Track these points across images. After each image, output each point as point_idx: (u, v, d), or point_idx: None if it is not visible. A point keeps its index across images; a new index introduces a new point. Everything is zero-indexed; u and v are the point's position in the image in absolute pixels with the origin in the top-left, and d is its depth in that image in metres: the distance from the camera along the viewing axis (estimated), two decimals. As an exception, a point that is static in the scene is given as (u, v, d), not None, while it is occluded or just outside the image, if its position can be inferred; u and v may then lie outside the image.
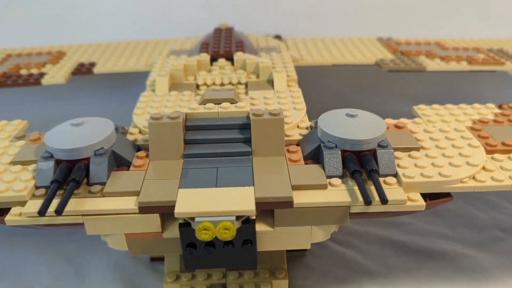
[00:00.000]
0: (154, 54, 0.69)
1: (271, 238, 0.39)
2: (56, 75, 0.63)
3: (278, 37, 0.75)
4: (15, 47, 0.74)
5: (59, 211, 0.35)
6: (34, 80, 0.63)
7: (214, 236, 0.35)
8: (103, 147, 0.40)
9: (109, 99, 0.77)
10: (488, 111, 0.50)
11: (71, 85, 0.64)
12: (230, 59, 0.59)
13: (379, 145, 0.40)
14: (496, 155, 0.42)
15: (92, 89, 0.77)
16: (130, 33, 0.78)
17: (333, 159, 0.40)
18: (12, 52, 0.72)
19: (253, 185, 0.37)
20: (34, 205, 0.37)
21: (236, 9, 0.80)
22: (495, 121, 0.48)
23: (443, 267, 0.51)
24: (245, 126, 0.44)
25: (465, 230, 0.57)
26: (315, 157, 0.41)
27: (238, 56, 0.58)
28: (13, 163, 0.41)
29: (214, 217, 0.35)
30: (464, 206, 0.61)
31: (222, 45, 0.62)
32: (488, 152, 0.42)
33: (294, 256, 0.53)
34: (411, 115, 0.50)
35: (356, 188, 0.38)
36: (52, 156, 0.39)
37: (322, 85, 0.56)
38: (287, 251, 0.50)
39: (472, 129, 0.46)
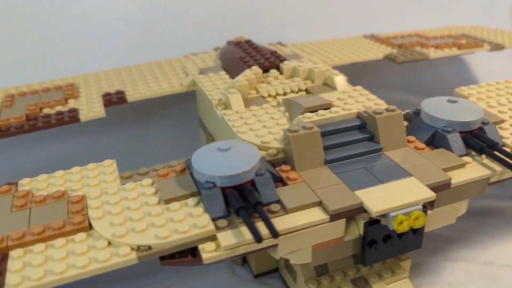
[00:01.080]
0: (175, 74, 0.67)
1: (430, 219, 0.43)
2: (92, 109, 0.58)
3: (280, 43, 0.78)
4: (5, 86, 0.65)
5: (276, 234, 0.34)
6: (70, 118, 0.57)
7: (409, 226, 0.38)
8: (261, 168, 0.40)
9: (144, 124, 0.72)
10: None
11: (107, 118, 0.59)
12: (275, 68, 0.61)
13: (483, 123, 0.47)
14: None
15: (123, 119, 0.72)
16: (122, 57, 0.74)
17: (456, 141, 0.45)
18: (14, 92, 0.63)
19: (412, 175, 0.41)
20: (227, 237, 0.36)
21: (223, 22, 0.81)
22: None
23: (497, 221, 0.60)
24: (361, 126, 0.47)
25: (499, 190, 0.67)
26: (431, 143, 0.47)
27: (286, 65, 0.60)
28: (166, 201, 0.39)
29: (406, 209, 0.38)
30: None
31: (261, 56, 0.63)
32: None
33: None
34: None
35: (488, 161, 0.43)
36: (215, 185, 0.38)
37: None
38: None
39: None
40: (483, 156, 0.44)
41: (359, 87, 0.56)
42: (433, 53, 0.73)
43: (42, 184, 0.43)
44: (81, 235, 0.36)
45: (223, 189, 0.38)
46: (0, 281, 0.33)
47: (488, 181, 0.43)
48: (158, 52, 0.76)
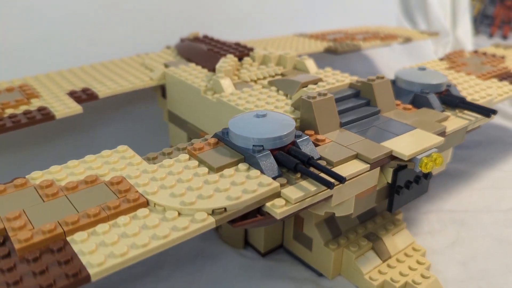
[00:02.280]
0: (140, 71, 0.64)
1: (431, 165, 0.49)
2: (67, 105, 0.53)
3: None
4: None
5: (343, 179, 0.36)
6: (43, 116, 0.51)
7: (432, 167, 0.43)
8: (298, 132, 0.42)
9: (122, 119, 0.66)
10: (443, 64, 0.72)
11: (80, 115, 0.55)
12: (247, 57, 0.63)
13: (447, 86, 0.55)
14: (486, 82, 0.63)
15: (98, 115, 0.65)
16: (63, 59, 0.69)
17: (435, 100, 0.52)
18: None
19: (417, 128, 0.46)
20: (294, 192, 0.37)
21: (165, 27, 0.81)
22: (452, 64, 0.69)
23: (448, 180, 0.70)
24: (356, 94, 0.52)
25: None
26: (414, 104, 0.53)
27: (257, 53, 0.63)
28: (217, 169, 0.38)
29: (427, 152, 0.43)
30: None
31: (229, 47, 0.64)
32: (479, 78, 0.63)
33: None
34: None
35: (462, 114, 0.51)
36: (263, 147, 0.39)
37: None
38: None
39: (448, 69, 0.66)
40: (457, 110, 0.52)
41: (328, 68, 0.61)
42: (363, 45, 0.82)
43: (60, 175, 0.38)
44: (143, 211, 0.34)
45: (273, 152, 0.39)
46: (75, 264, 0.29)
47: (466, 129, 0.51)
48: (101, 54, 0.72)
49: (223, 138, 0.42)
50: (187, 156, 0.41)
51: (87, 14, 0.71)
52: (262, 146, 0.39)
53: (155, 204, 0.35)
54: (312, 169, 0.38)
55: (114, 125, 0.69)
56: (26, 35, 0.66)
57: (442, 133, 0.47)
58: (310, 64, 0.62)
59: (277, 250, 0.55)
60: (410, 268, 0.49)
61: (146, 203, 0.35)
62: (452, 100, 0.52)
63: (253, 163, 0.39)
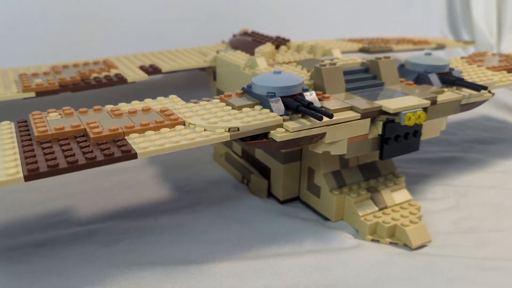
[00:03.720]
0: (193, 57, 0.79)
1: (424, 128, 0.57)
2: (136, 74, 0.69)
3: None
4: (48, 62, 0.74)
5: (331, 115, 0.47)
6: (118, 79, 0.67)
7: (414, 122, 0.52)
8: (306, 87, 0.53)
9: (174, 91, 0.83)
10: (459, 60, 0.79)
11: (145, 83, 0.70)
12: (284, 45, 0.76)
13: (450, 68, 0.64)
14: (494, 73, 0.70)
15: (155, 87, 0.82)
16: (138, 46, 0.86)
17: (435, 78, 0.61)
18: (57, 66, 0.72)
19: (410, 95, 0.56)
20: (292, 124, 0.48)
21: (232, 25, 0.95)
22: (473, 60, 0.77)
23: (463, 165, 0.77)
24: (365, 70, 0.62)
25: (451, 147, 0.84)
26: (418, 81, 0.62)
27: (292, 42, 0.75)
28: (238, 108, 0.50)
29: (412, 110, 0.52)
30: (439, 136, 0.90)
31: (270, 39, 0.77)
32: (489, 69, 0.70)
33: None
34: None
35: (458, 91, 0.59)
36: (275, 95, 0.51)
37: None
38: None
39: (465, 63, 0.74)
40: (454, 88, 0.61)
41: (351, 56, 0.72)
42: (395, 47, 0.92)
43: (125, 107, 0.53)
44: (179, 127, 0.47)
45: (282, 98, 0.51)
46: (128, 147, 0.42)
47: (460, 102, 0.59)
48: (168, 46, 0.88)
49: (247, 90, 0.54)
50: (218, 100, 0.53)
51: (160, 11, 0.88)
52: (274, 93, 0.51)
53: (189, 124, 0.48)
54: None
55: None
56: (116, 27, 0.84)
57: (433, 101, 0.56)
58: (336, 52, 0.73)
59: (294, 200, 0.66)
60: (402, 216, 0.57)
61: (183, 123, 0.48)
62: (449, 79, 0.61)
63: (266, 106, 0.51)
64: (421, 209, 0.62)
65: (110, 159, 0.41)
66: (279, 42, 0.75)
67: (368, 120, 0.52)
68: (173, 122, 0.48)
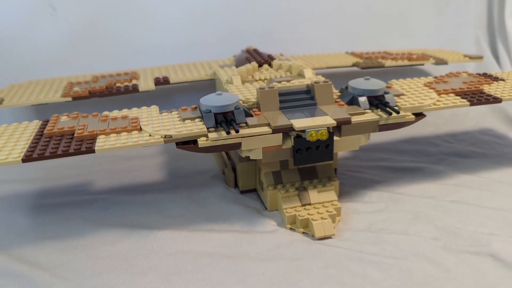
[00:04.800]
0: (204, 70, 0.98)
1: (339, 143, 0.70)
2: (147, 85, 0.90)
3: (281, 54, 1.08)
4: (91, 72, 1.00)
5: (237, 131, 0.63)
6: (133, 89, 0.89)
7: (317, 138, 0.65)
8: (238, 105, 0.69)
9: (182, 99, 1.05)
10: (430, 80, 0.87)
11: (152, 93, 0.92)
12: (268, 65, 0.91)
13: (384, 93, 0.74)
14: (441, 95, 0.78)
15: (167, 95, 1.05)
16: (174, 58, 1.07)
17: (363, 100, 0.72)
18: (99, 75, 0.97)
19: (328, 115, 0.69)
20: (214, 134, 0.65)
21: (246, 41, 1.12)
22: (436, 82, 0.84)
23: (419, 175, 0.85)
24: (307, 91, 0.75)
25: (421, 158, 0.92)
26: (352, 103, 0.74)
27: (275, 62, 0.90)
28: (183, 119, 0.69)
29: (316, 128, 0.66)
30: (414, 146, 0.97)
31: (260, 57, 0.93)
32: (437, 94, 0.78)
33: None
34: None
35: (379, 112, 0.70)
36: (210, 111, 0.68)
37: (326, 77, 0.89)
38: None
39: (425, 85, 0.82)
40: (378, 110, 0.71)
41: (319, 76, 0.85)
42: (388, 63, 1.00)
43: (114, 114, 0.74)
44: (135, 132, 0.67)
45: (215, 114, 0.68)
46: (91, 145, 0.63)
47: (377, 123, 0.70)
48: (192, 57, 1.08)
49: (198, 105, 0.72)
50: (176, 112, 0.72)
51: (189, 27, 1.09)
52: (210, 110, 0.68)
53: (143, 130, 0.67)
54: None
55: (178, 106, 1.04)
56: (142, 42, 1.08)
57: (347, 121, 0.68)
58: (307, 72, 0.86)
59: (252, 191, 0.82)
60: (317, 212, 0.71)
61: (139, 129, 0.68)
62: (372, 102, 0.71)
63: (202, 119, 0.68)
64: (348, 209, 0.74)
65: (77, 152, 0.62)
66: (264, 61, 0.91)
67: (280, 134, 0.67)
68: (133, 128, 0.68)
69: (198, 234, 0.69)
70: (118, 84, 0.91)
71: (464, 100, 0.76)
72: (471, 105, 0.75)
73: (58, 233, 0.71)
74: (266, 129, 0.66)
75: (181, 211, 0.76)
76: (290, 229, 0.71)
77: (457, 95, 0.78)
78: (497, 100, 0.76)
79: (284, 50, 1.11)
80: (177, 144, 0.66)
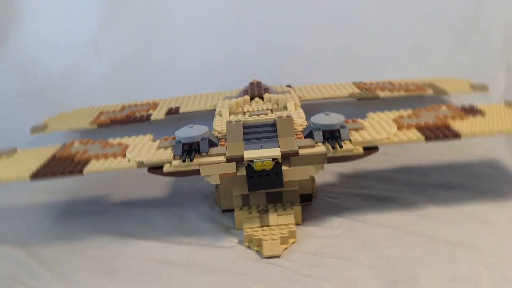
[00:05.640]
0: (213, 100, 1.12)
1: (290, 172, 0.78)
2: (158, 114, 1.06)
3: (288, 86, 1.17)
4: (124, 102, 1.19)
5: (192, 160, 0.75)
6: (146, 118, 1.06)
7: (262, 167, 0.74)
8: (205, 136, 0.81)
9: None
10: (405, 112, 0.90)
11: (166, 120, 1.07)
12: (261, 98, 1.01)
13: (341, 127, 0.81)
14: (402, 129, 0.82)
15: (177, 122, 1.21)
16: (196, 89, 1.22)
17: (317, 134, 0.79)
18: (126, 105, 1.16)
19: (279, 147, 0.77)
20: (177, 162, 0.77)
21: (261, 70, 1.23)
22: (408, 116, 0.88)
23: (391, 204, 0.89)
24: (273, 125, 0.84)
25: (404, 187, 0.95)
26: (310, 136, 0.81)
27: (266, 96, 1.00)
28: (159, 148, 0.83)
29: (262, 159, 0.75)
30: (404, 175, 1.00)
31: (256, 90, 1.04)
32: (398, 128, 0.82)
33: (304, 204, 0.90)
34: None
35: (328, 146, 0.77)
36: (180, 141, 0.80)
37: (317, 111, 0.96)
38: (301, 200, 0.88)
39: (393, 119, 0.86)
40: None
41: (300, 109, 0.93)
42: (382, 94, 1.04)
43: (113, 141, 0.90)
44: (119, 157, 0.82)
45: (184, 144, 0.80)
46: (81, 168, 0.79)
47: (325, 155, 0.76)
48: (211, 87, 1.22)
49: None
50: (158, 142, 0.86)
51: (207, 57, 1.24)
52: (180, 140, 0.80)
53: (126, 156, 0.82)
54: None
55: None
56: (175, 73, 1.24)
57: (295, 153, 0.76)
58: (290, 105, 0.95)
59: (232, 211, 0.92)
60: (271, 233, 0.79)
61: (124, 155, 0.83)
62: (325, 135, 0.78)
63: (173, 147, 0.81)
64: (307, 233, 0.81)
65: (70, 173, 0.79)
66: (256, 94, 1.01)
67: (234, 163, 0.77)
68: (120, 154, 0.83)
69: (169, 245, 0.82)
70: (136, 114, 1.08)
71: (421, 136, 0.79)
72: (426, 140, 0.78)
73: (66, 236, 0.89)
74: (221, 158, 0.77)
75: (164, 224, 0.89)
76: (247, 247, 0.80)
77: (419, 129, 0.81)
78: (456, 136, 0.78)
79: (298, 80, 1.20)
80: (148, 169, 0.79)
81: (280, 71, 1.22)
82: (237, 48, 1.24)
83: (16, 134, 1.15)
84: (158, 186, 1.07)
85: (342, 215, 0.86)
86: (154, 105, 1.13)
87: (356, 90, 1.09)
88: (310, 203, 0.92)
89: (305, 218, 0.86)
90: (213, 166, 0.77)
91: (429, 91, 1.05)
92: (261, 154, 0.75)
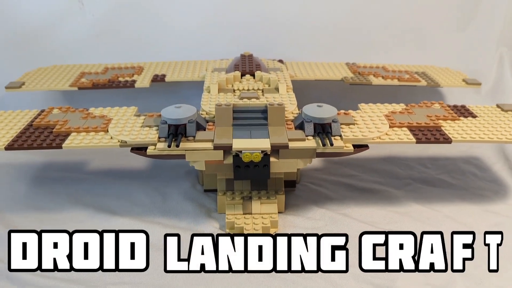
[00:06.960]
0: (202, 70, 1.07)
1: (277, 164, 0.76)
2: (143, 81, 1.01)
3: (280, 61, 1.13)
4: (108, 63, 1.13)
5: (178, 146, 0.72)
6: (130, 84, 1.01)
7: (250, 159, 0.72)
8: (192, 118, 0.78)
9: (175, 96, 1.16)
10: (399, 107, 0.89)
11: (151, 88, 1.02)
12: (252, 75, 0.98)
13: (333, 121, 0.79)
14: (394, 128, 0.80)
15: (164, 91, 1.17)
16: (186, 54, 1.16)
17: (308, 126, 0.77)
18: (109, 66, 1.10)
19: (268, 138, 0.75)
20: (162, 145, 0.75)
21: (254, 42, 1.18)
22: (400, 112, 0.86)
23: (374, 198, 0.89)
24: (263, 111, 0.82)
25: (388, 179, 0.95)
26: (301, 127, 0.79)
27: (257, 73, 0.97)
28: (143, 126, 0.79)
29: (251, 150, 0.73)
30: (388, 166, 1.00)
31: (247, 66, 1.00)
32: (390, 126, 0.81)
33: (287, 190, 0.90)
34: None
35: (319, 140, 0.75)
36: (166, 122, 0.77)
37: (308, 92, 0.93)
38: (285, 186, 0.87)
39: (385, 115, 0.85)
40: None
41: (291, 94, 0.90)
42: (375, 81, 1.02)
43: (97, 112, 0.86)
44: (101, 133, 0.78)
45: (170, 126, 0.77)
46: (61, 142, 0.76)
47: (315, 150, 0.75)
48: (206, 55, 1.17)
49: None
50: (143, 118, 0.82)
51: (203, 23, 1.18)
52: (166, 121, 0.77)
53: (108, 132, 0.79)
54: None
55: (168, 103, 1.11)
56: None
57: (284, 146, 0.74)
58: (282, 87, 0.91)
59: (214, 191, 0.91)
60: (253, 222, 0.79)
61: (106, 130, 0.79)
62: (317, 129, 0.76)
63: (159, 129, 0.78)
64: (289, 223, 0.81)
65: (48, 146, 0.75)
66: (248, 71, 0.97)
67: (221, 151, 0.75)
68: (102, 129, 0.79)
69: (147, 225, 0.80)
70: (120, 78, 1.03)
71: (412, 137, 0.78)
72: (417, 142, 0.77)
73: (44, 205, 0.86)
74: (208, 145, 0.75)
75: (146, 201, 0.88)
76: (228, 234, 0.79)
77: (410, 129, 0.80)
78: (447, 140, 0.77)
79: (291, 55, 1.16)
80: (131, 149, 0.77)
81: (272, 45, 1.18)
82: (231, 16, 1.17)
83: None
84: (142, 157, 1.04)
85: (324, 206, 0.86)
86: (139, 70, 1.08)
87: (349, 74, 1.06)
88: (293, 189, 0.91)
89: (287, 205, 0.86)
90: (199, 153, 0.75)
91: (422, 82, 1.03)
92: (251, 145, 0.73)
